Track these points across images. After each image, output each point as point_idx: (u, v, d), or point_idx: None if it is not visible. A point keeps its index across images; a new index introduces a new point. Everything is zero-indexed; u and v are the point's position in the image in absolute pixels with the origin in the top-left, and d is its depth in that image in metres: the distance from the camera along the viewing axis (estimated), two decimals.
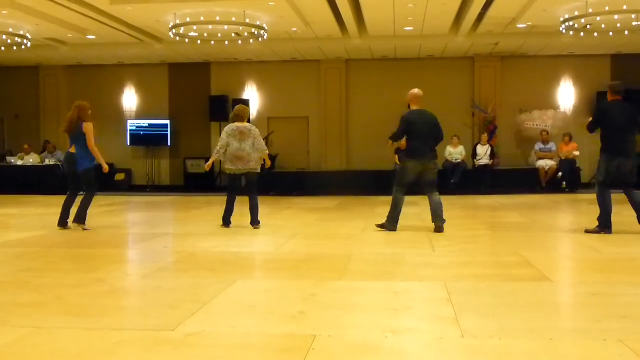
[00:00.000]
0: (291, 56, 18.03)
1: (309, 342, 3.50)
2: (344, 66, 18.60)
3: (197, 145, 18.89)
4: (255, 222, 8.93)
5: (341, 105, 18.54)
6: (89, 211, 8.87)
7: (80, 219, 8.79)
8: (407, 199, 8.54)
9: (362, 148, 18.29)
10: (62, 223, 8.85)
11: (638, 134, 8.41)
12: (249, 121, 9.31)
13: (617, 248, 7.05)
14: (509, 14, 13.78)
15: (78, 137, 8.78)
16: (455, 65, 18.26)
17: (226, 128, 9.08)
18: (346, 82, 18.60)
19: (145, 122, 18.84)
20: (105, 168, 9.01)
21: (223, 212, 9.04)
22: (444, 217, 8.42)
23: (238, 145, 8.85)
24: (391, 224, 8.48)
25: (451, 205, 10.15)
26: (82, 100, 9.08)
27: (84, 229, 8.72)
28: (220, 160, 9.19)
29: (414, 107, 8.62)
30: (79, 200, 8.96)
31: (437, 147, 8.66)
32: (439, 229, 8.34)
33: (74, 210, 8.90)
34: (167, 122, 18.75)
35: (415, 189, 8.53)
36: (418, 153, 8.46)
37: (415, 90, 8.73)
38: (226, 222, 9.00)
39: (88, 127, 8.75)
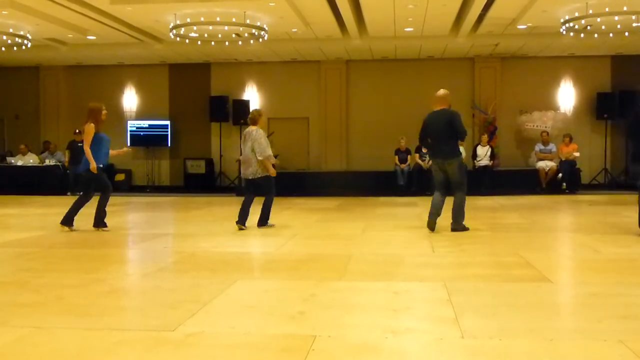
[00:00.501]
0: (291, 57, 18.04)
1: (309, 342, 3.50)
2: (344, 67, 18.62)
3: (197, 145, 18.90)
4: (260, 223, 9.04)
5: (341, 106, 18.56)
6: (81, 211, 8.87)
7: (98, 221, 8.83)
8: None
9: (362, 148, 18.31)
10: (67, 221, 8.79)
11: None
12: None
13: (616, 248, 7.05)
14: (509, 15, 13.79)
15: None
16: (456, 66, 18.27)
17: None
18: (346, 83, 18.61)
19: (145, 123, 18.85)
20: (93, 168, 8.71)
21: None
22: (464, 221, 8.45)
23: (243, 149, 9.01)
24: (428, 220, 8.46)
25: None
26: (95, 101, 9.23)
27: (103, 230, 8.77)
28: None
29: (435, 108, 8.63)
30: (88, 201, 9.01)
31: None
32: (452, 229, 8.40)
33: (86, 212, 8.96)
34: (167, 122, 18.75)
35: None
36: (432, 152, 8.79)
37: (439, 91, 8.72)
38: (240, 220, 8.88)
39: (86, 128, 8.81)
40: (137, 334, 3.74)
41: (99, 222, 8.82)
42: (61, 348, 3.50)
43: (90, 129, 8.78)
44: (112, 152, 9.26)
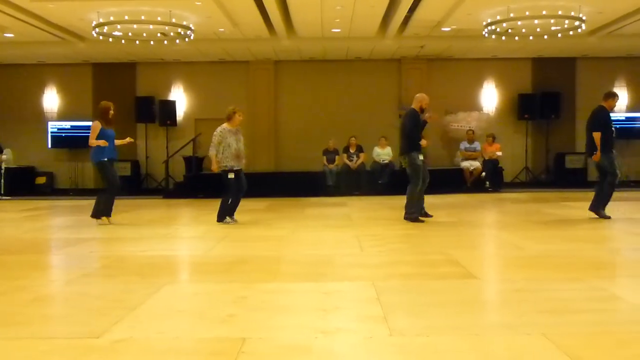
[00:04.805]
0: (219, 57, 17.89)
1: (238, 345, 3.49)
2: (272, 67, 18.58)
3: (123, 147, 18.28)
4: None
5: (270, 107, 18.51)
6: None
7: (96, 213, 9.67)
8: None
9: (291, 149, 18.32)
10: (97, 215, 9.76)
11: None
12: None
13: (538, 245, 7.29)
14: (434, 17, 14.06)
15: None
16: (383, 67, 18.50)
17: None
18: (275, 83, 18.58)
19: (67, 124, 18.32)
20: (103, 142, 9.81)
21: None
22: (411, 210, 9.46)
23: (236, 144, 9.80)
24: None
25: (380, 205, 10.29)
26: (105, 101, 10.31)
27: (100, 224, 9.53)
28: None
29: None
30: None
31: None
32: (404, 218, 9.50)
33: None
34: (91, 123, 18.22)
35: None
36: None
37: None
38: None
39: (92, 125, 9.89)
40: (63, 342, 3.64)
41: (97, 213, 9.68)
42: None
43: (95, 125, 9.81)
44: (116, 141, 10.19)
